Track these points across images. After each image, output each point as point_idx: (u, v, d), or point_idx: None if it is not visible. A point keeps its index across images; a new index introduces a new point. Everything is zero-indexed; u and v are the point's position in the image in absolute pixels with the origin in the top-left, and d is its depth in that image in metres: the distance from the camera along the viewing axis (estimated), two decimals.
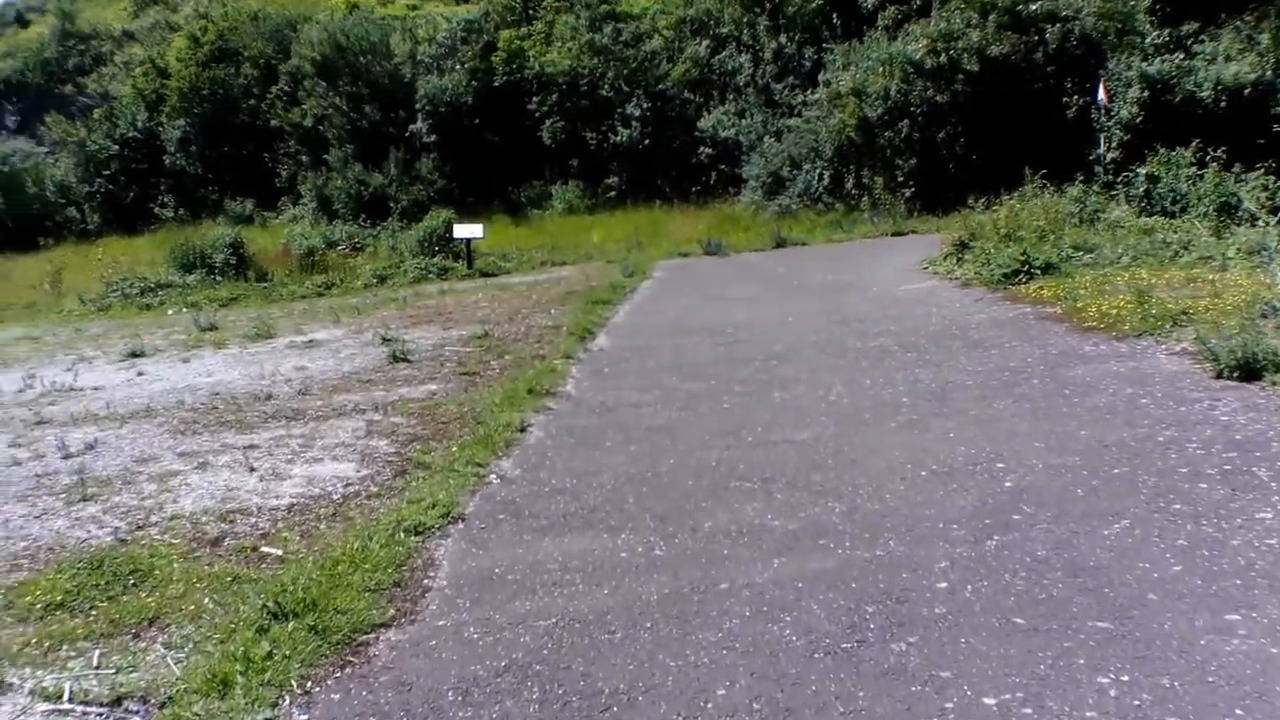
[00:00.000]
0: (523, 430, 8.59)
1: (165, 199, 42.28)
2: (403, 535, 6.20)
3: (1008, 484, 6.29)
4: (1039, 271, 14.54)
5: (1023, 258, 14.80)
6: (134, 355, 15.49)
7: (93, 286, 28.53)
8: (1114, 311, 11.21)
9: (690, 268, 22.46)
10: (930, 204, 27.50)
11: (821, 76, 33.12)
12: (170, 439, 9.50)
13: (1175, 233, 16.44)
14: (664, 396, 9.60)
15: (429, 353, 13.15)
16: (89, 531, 6.93)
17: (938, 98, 27.91)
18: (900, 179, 28.51)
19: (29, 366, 15.28)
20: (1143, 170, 20.79)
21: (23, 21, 65.72)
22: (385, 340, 13.76)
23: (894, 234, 25.43)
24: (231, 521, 6.88)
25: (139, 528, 6.93)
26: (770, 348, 11.60)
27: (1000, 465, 6.64)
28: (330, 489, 7.44)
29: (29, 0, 69.39)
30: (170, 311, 24.59)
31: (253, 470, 8.02)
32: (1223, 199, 17.43)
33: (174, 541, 6.58)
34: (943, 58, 27.83)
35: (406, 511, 6.61)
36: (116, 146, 43.43)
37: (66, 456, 9.02)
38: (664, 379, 10.41)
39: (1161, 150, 20.69)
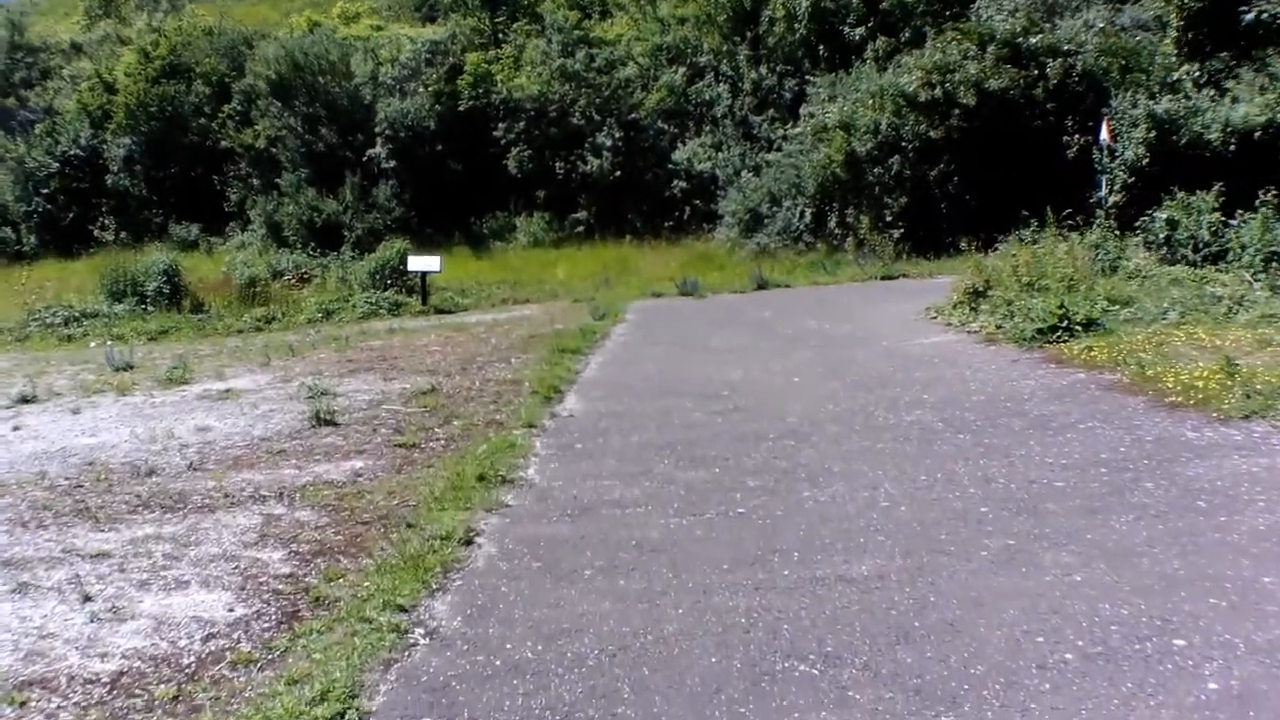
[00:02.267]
0: (468, 543, 6.38)
1: (106, 221, 39.72)
2: None
3: (1212, 686, 4.11)
4: (1079, 328, 12.52)
5: (1060, 311, 12.76)
6: (23, 400, 13.22)
7: (14, 314, 26.20)
8: (1199, 384, 9.17)
9: (666, 310, 20.36)
10: (921, 246, 25.66)
11: (803, 109, 31.26)
12: (3, 534, 7.25)
13: (1223, 285, 14.49)
14: (656, 492, 7.44)
15: (362, 412, 10.93)
16: None
17: (931, 133, 26.05)
18: (889, 218, 26.57)
19: None
20: (1160, 215, 18.87)
21: None
22: (312, 394, 11.58)
23: (884, 277, 23.43)
24: (22, 704, 4.64)
25: None
26: (781, 419, 9.48)
27: (1180, 643, 4.48)
28: (182, 645, 5.20)
29: None
30: (92, 344, 22.29)
31: (87, 600, 5.77)
32: (1271, 248, 15.49)
33: None
34: (937, 90, 25.98)
35: (278, 708, 4.39)
36: (57, 164, 40.80)
37: None
38: (653, 462, 8.27)
39: (1180, 194, 18.79)
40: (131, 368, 16.32)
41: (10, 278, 29.20)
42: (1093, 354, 11.31)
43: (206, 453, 9.43)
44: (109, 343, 20.14)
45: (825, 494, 7.10)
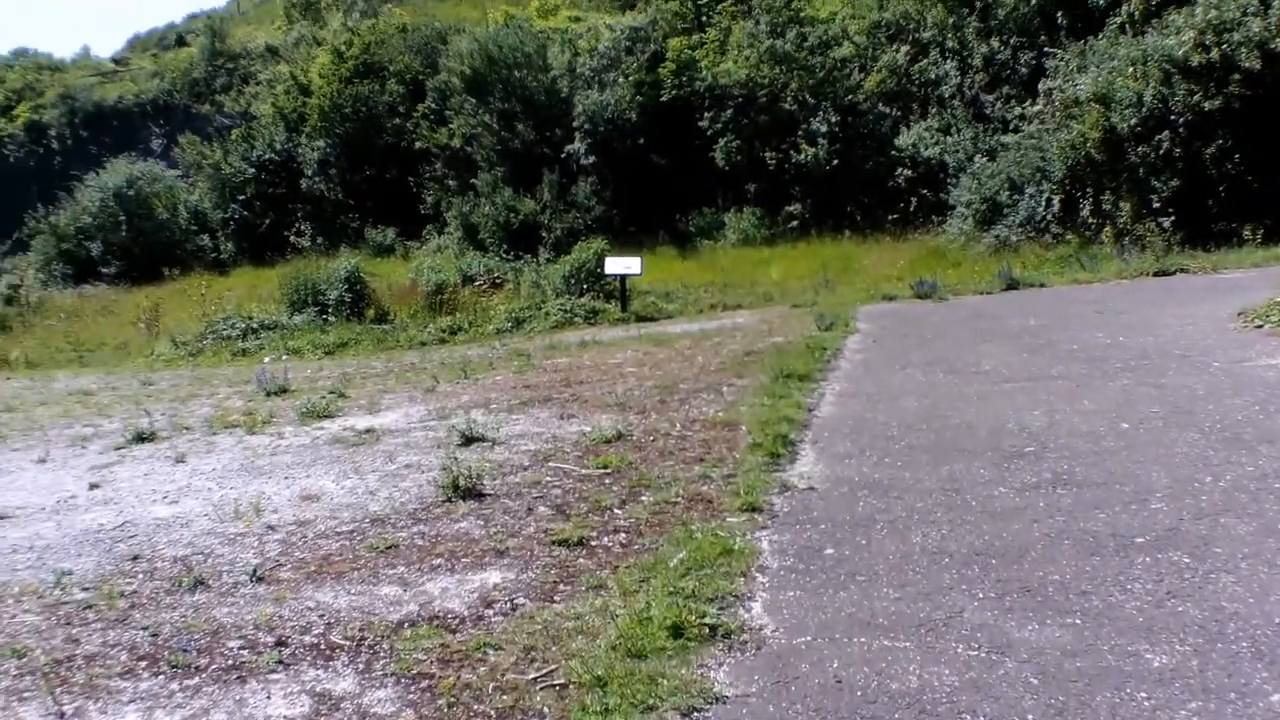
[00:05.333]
0: None
1: (301, 227, 38.53)
2: None
3: None
4: None
5: None
6: (139, 439, 11.09)
7: (193, 326, 24.77)
8: None
9: (904, 317, 17.16)
10: (1194, 236, 21.85)
11: (1042, 85, 27.71)
12: None
13: None
14: (983, 677, 4.38)
15: (521, 474, 8.21)
16: None
17: (1206, 104, 22.14)
18: (1156, 204, 22.80)
19: None
20: None
21: (182, 43, 63.70)
22: (466, 439, 9.01)
23: (1157, 273, 19.74)
24: None
25: None
26: (1142, 504, 6.30)
27: None
28: None
29: (192, 24, 67.83)
30: (266, 359, 20.53)
31: None
32: None
33: None
34: (1214, 53, 22.07)
35: None
36: (252, 169, 39.82)
37: None
38: (959, 597, 5.19)
39: None
40: (285, 391, 14.26)
41: (191, 287, 27.84)
42: None
43: (293, 542, 6.85)
44: (267, 361, 18.24)
45: None
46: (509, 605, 5.50)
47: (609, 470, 8.04)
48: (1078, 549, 5.69)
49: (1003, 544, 5.86)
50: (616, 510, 7.02)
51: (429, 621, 5.35)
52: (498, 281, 25.64)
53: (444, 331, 21.60)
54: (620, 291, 22.43)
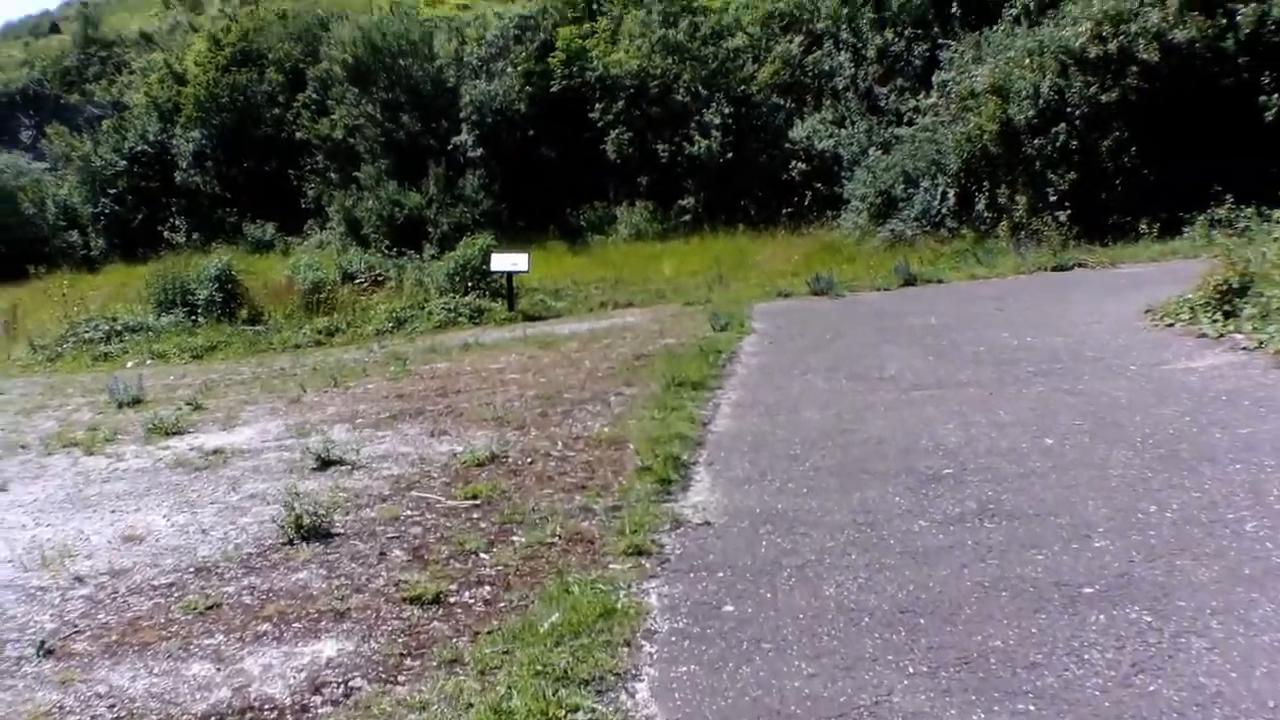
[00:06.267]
0: None
1: (176, 222, 36.81)
2: None
3: None
4: None
5: None
6: None
7: (54, 328, 23.25)
8: None
9: (802, 315, 16.42)
10: (1090, 230, 21.51)
11: (937, 77, 27.37)
12: None
13: None
14: None
15: (378, 506, 7.25)
16: None
17: (1103, 96, 21.81)
18: (1053, 198, 22.43)
19: None
20: None
21: (55, 30, 61.17)
22: (322, 463, 8.05)
23: (1055, 268, 19.32)
24: None
25: None
26: (1083, 542, 5.48)
27: None
28: None
29: (65, 11, 65.32)
30: (129, 364, 19.27)
31: None
32: None
33: None
34: (1111, 45, 21.74)
35: None
36: (124, 162, 38.04)
37: None
38: (880, 664, 4.38)
39: None
40: (139, 402, 13.13)
41: (52, 287, 26.21)
42: None
43: (101, 600, 5.84)
44: (147, 362, 17.03)
45: None
46: (342, 690, 4.57)
47: (478, 501, 7.12)
48: (1018, 603, 4.89)
49: (930, 597, 5.04)
50: (483, 555, 6.10)
51: (241, 715, 4.40)
52: (380, 279, 24.47)
53: (320, 333, 20.45)
54: (507, 290, 21.47)
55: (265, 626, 5.36)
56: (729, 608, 5.14)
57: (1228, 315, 11.32)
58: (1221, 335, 10.85)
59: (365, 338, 19.63)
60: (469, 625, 5.16)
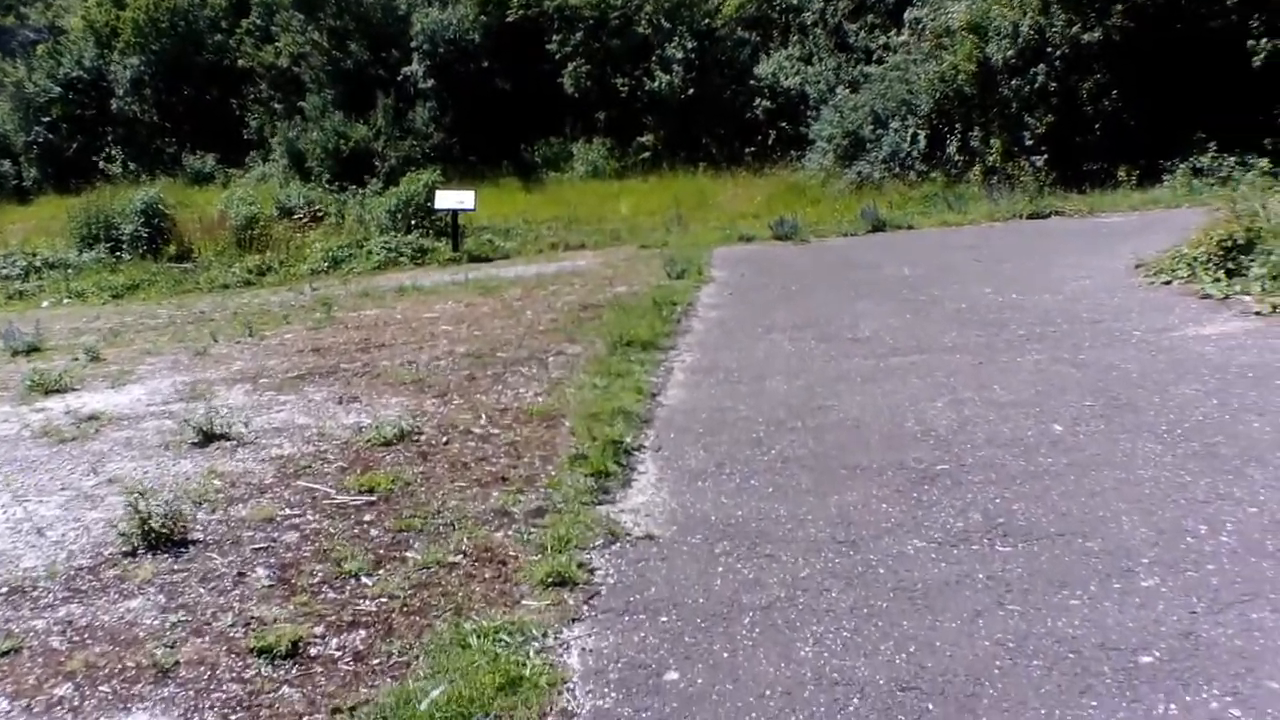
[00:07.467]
0: None
1: (113, 152, 35.06)
2: None
3: None
4: None
5: None
6: None
7: None
8: None
9: (765, 262, 15.25)
10: (1066, 176, 20.54)
11: (909, 14, 26.21)
12: None
13: None
14: None
15: (255, 501, 6.00)
16: None
17: (1084, 36, 20.73)
18: (1029, 142, 21.41)
19: None
20: None
21: None
22: (205, 437, 6.87)
23: (1031, 215, 18.24)
24: None
25: None
26: (1126, 574, 4.41)
27: None
28: None
29: None
30: (45, 304, 17.95)
31: None
32: None
33: None
34: None
35: None
36: (59, 89, 36.26)
37: None
38: None
39: None
40: (36, 350, 11.89)
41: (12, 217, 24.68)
42: None
43: None
44: (65, 301, 15.73)
45: None
46: None
47: (374, 497, 5.90)
48: (1057, 678, 3.69)
49: (938, 665, 3.85)
50: (365, 580, 4.86)
51: None
52: (319, 215, 23.12)
53: (251, 272, 19.13)
54: (453, 229, 20.22)
55: (62, 690, 4.08)
56: (672, 674, 3.95)
57: (1230, 274, 10.31)
58: (1227, 296, 9.82)
59: (298, 278, 18.34)
60: (328, 695, 3.93)
